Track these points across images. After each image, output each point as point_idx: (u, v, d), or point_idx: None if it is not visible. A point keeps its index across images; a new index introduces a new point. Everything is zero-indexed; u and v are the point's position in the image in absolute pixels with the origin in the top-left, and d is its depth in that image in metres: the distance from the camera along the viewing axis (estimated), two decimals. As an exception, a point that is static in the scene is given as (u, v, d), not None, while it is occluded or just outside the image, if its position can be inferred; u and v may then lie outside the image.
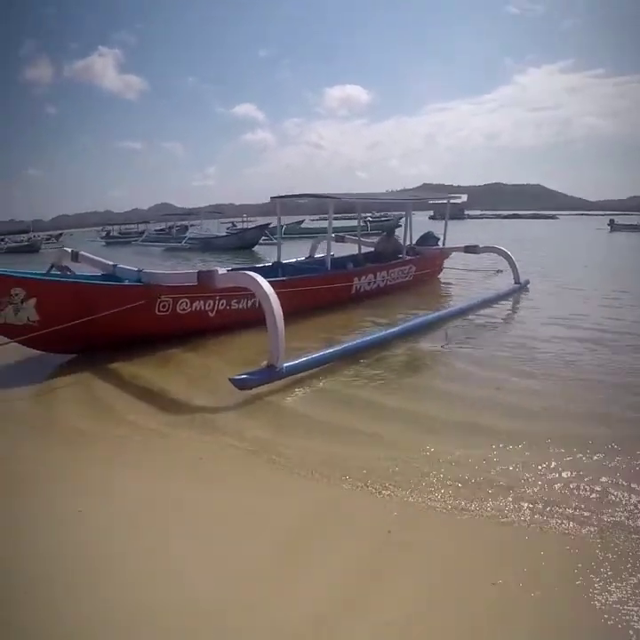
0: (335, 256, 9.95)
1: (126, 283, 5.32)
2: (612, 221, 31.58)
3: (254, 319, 6.05)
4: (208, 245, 22.61)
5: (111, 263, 5.85)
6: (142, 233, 29.58)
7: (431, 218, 40.93)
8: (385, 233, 9.29)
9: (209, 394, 4.08)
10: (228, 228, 29.90)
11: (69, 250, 6.44)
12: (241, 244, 22.73)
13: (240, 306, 5.93)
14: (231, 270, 5.31)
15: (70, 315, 4.62)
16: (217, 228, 26.98)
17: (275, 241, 24.13)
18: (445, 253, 10.00)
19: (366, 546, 2.16)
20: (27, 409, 4.04)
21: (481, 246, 9.23)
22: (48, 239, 29.63)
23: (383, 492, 2.56)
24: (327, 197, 7.35)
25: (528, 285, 8.78)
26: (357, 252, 9.27)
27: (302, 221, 37.61)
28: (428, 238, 9.88)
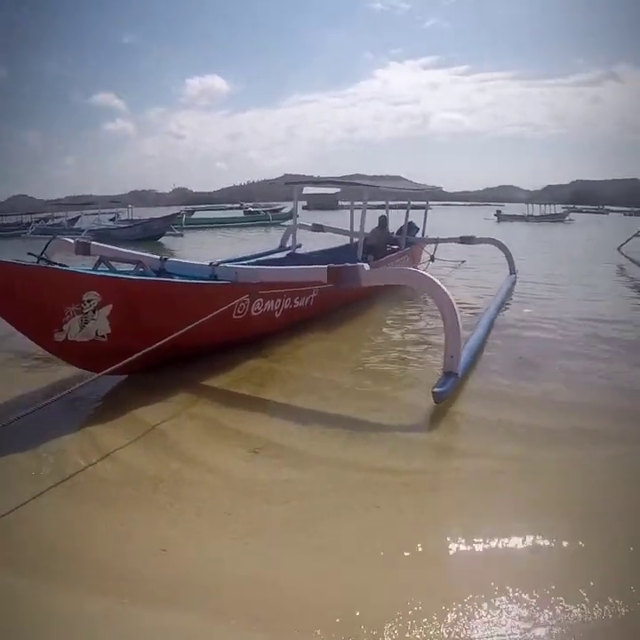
0: (303, 248, 9.42)
1: (218, 282, 4.33)
2: (498, 212, 35.00)
3: (312, 318, 5.41)
4: (106, 237, 20.30)
5: (157, 256, 4.69)
6: (28, 225, 25.44)
7: (305, 208, 41.51)
8: (377, 225, 8.93)
9: (373, 410, 3.44)
10: (110, 219, 27.30)
11: (71, 240, 5.06)
12: (146, 235, 20.89)
13: (301, 303, 5.21)
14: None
15: (147, 325, 3.59)
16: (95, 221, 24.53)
17: (178, 232, 23.06)
18: (426, 245, 9.88)
19: None
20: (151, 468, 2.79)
21: (477, 237, 9.26)
22: None
23: None
24: (359, 185, 6.77)
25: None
26: (350, 242, 8.84)
27: (194, 211, 35.54)
28: (410, 228, 9.73)
